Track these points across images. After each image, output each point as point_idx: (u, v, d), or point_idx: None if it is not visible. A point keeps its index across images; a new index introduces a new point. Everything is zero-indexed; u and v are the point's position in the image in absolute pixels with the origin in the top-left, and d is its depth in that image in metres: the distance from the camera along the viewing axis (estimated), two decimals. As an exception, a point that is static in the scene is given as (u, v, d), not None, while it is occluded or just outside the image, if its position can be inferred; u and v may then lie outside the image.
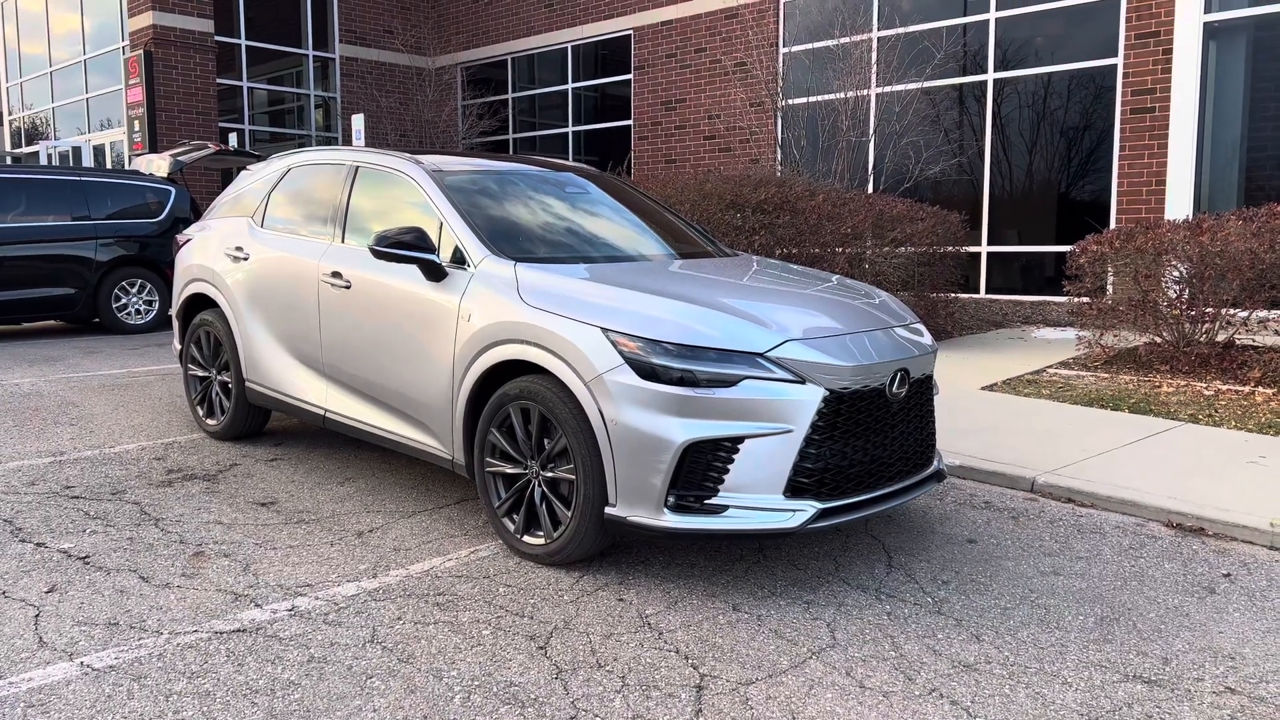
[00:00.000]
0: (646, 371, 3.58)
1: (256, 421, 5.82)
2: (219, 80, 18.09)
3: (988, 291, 12.82)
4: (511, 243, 4.39)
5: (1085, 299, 7.93)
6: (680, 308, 3.77)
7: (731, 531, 3.61)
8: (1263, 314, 7.16)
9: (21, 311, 10.45)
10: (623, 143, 17.10)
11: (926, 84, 12.77)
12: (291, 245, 5.27)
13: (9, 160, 23.55)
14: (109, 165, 19.37)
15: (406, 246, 4.30)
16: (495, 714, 2.84)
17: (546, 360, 3.81)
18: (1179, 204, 10.01)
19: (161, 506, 4.65)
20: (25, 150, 23.17)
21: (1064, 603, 3.72)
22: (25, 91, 23.26)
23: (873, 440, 3.81)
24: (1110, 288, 8.00)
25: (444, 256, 4.36)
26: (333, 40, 19.66)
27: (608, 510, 3.69)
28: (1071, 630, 3.49)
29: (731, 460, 3.58)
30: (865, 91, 13.12)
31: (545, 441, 3.90)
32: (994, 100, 12.65)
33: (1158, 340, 7.71)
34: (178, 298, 6.17)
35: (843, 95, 12.46)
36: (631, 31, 16.74)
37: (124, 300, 10.93)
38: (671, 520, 3.59)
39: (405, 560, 4.02)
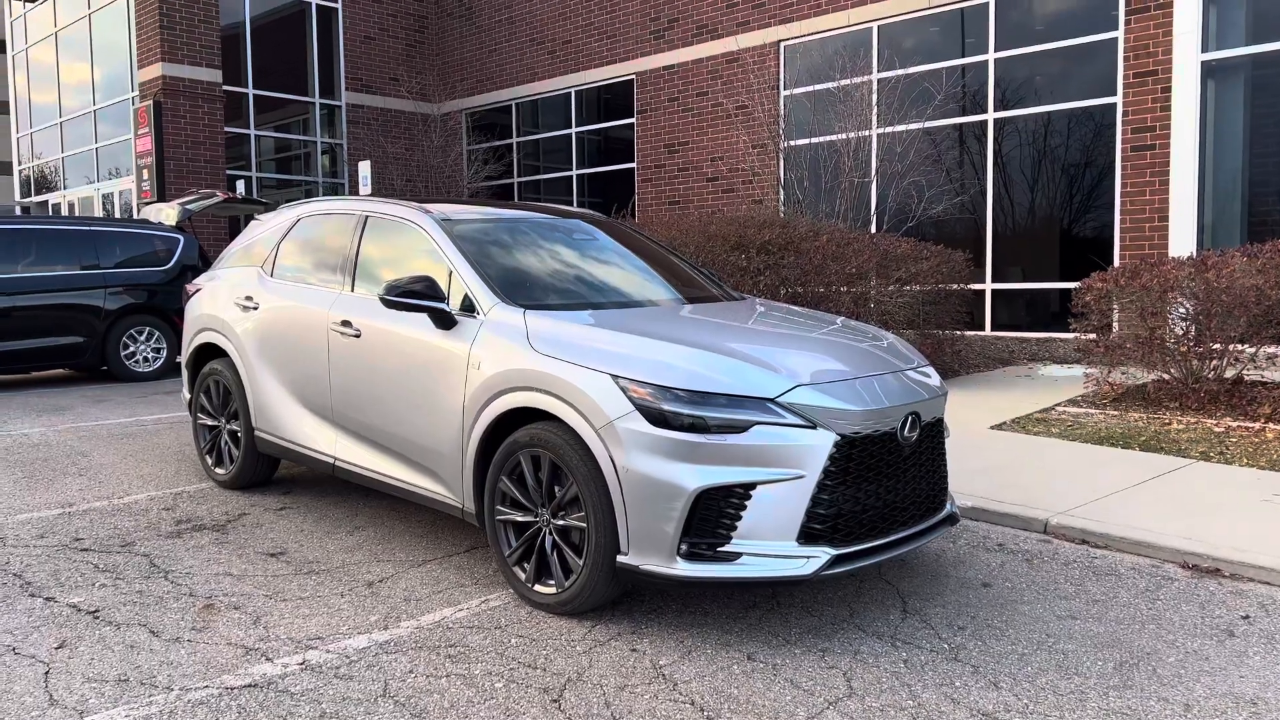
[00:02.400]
0: (657, 418, 3.57)
1: (265, 470, 5.82)
2: (226, 129, 18.31)
3: (993, 329, 12.83)
4: (520, 290, 4.41)
5: (1092, 336, 7.93)
6: (690, 353, 3.78)
7: (745, 580, 3.59)
8: (1270, 350, 7.15)
9: (31, 361, 10.49)
10: (626, 185, 17.23)
11: (927, 124, 12.87)
12: (301, 294, 5.30)
13: (19, 210, 23.78)
14: (118, 214, 19.54)
15: (416, 295, 4.32)
16: (510, 770, 2.80)
17: (556, 407, 3.81)
18: (1182, 240, 10.05)
19: (171, 558, 4.63)
20: (35, 200, 23.39)
21: (1082, 648, 3.68)
22: (35, 141, 23.52)
23: (885, 485, 3.80)
24: (1116, 325, 8.00)
25: (454, 305, 4.38)
26: (339, 88, 19.91)
27: (619, 559, 3.67)
28: (1091, 676, 3.45)
29: (744, 507, 3.57)
30: (866, 132, 13.23)
31: (556, 489, 3.89)
32: (995, 139, 12.75)
33: (1166, 377, 7.70)
34: (187, 347, 6.20)
35: (844, 136, 12.56)
36: (634, 76, 16.94)
37: (132, 348, 10.97)
38: (685, 569, 3.57)
39: (416, 611, 3.99)
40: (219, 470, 5.93)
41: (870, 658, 3.58)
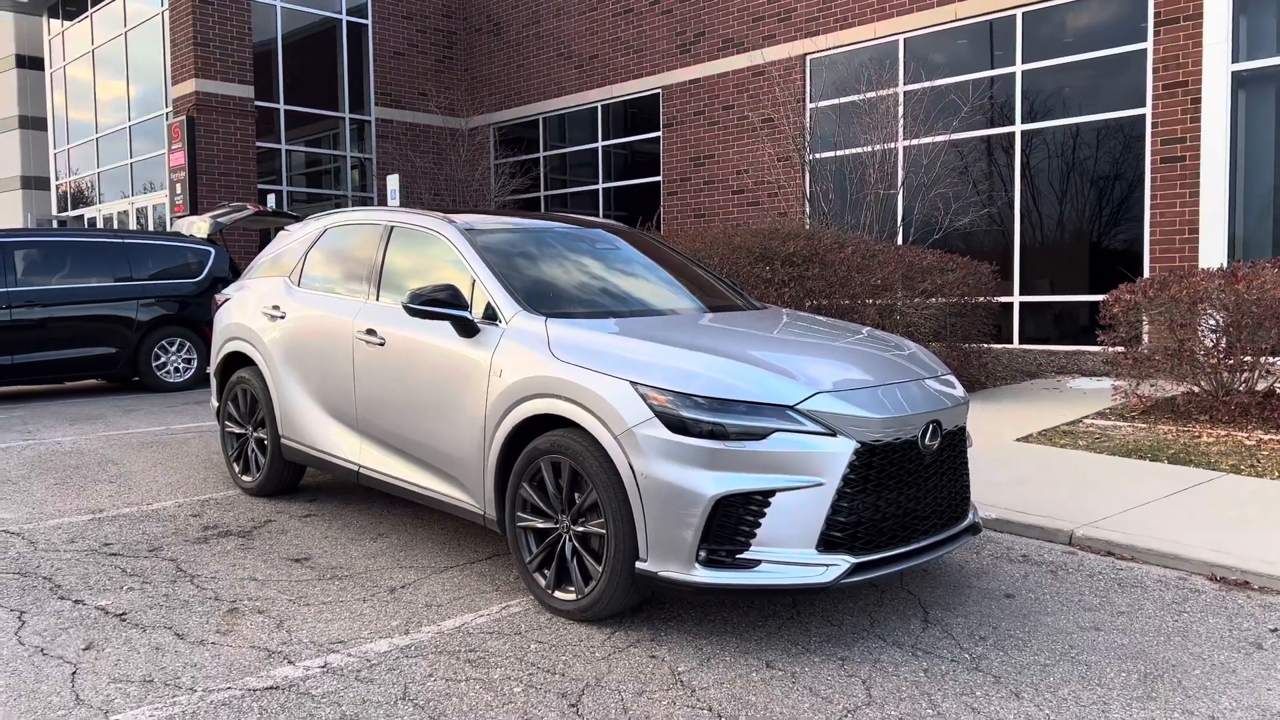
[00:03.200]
0: (676, 425, 3.59)
1: (291, 477, 5.88)
2: (258, 143, 18.56)
3: (1021, 342, 12.73)
4: (542, 299, 4.45)
5: (1120, 348, 7.85)
6: (710, 360, 3.79)
7: (764, 587, 3.59)
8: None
9: (65, 371, 10.66)
10: (652, 198, 17.29)
11: (954, 136, 12.84)
12: (327, 304, 5.37)
13: (56, 224, 24.19)
14: (151, 228, 19.83)
15: (440, 304, 4.36)
16: (527, 773, 2.82)
17: (576, 414, 3.83)
18: (1213, 252, 9.94)
19: (197, 563, 4.69)
20: (72, 214, 23.79)
21: (1105, 659, 3.64)
22: (72, 157, 23.95)
23: (906, 493, 3.78)
24: (1146, 337, 7.92)
25: (476, 313, 4.42)
26: (368, 103, 20.13)
27: (638, 565, 3.68)
28: (1114, 688, 3.41)
29: (763, 514, 3.56)
30: (893, 144, 13.23)
31: (576, 496, 3.91)
32: (1022, 151, 12.69)
33: (1196, 390, 7.61)
34: (216, 356, 6.28)
35: (870, 149, 12.55)
36: (660, 90, 17.02)
37: (163, 359, 11.13)
38: (703, 575, 3.57)
39: (437, 616, 4.01)
40: (246, 478, 6.00)
41: (890, 666, 3.56)
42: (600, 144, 18.49)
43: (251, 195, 18.03)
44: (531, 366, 4.05)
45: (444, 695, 3.30)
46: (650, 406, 3.63)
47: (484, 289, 4.46)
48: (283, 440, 5.62)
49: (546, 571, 4.05)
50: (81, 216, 23.22)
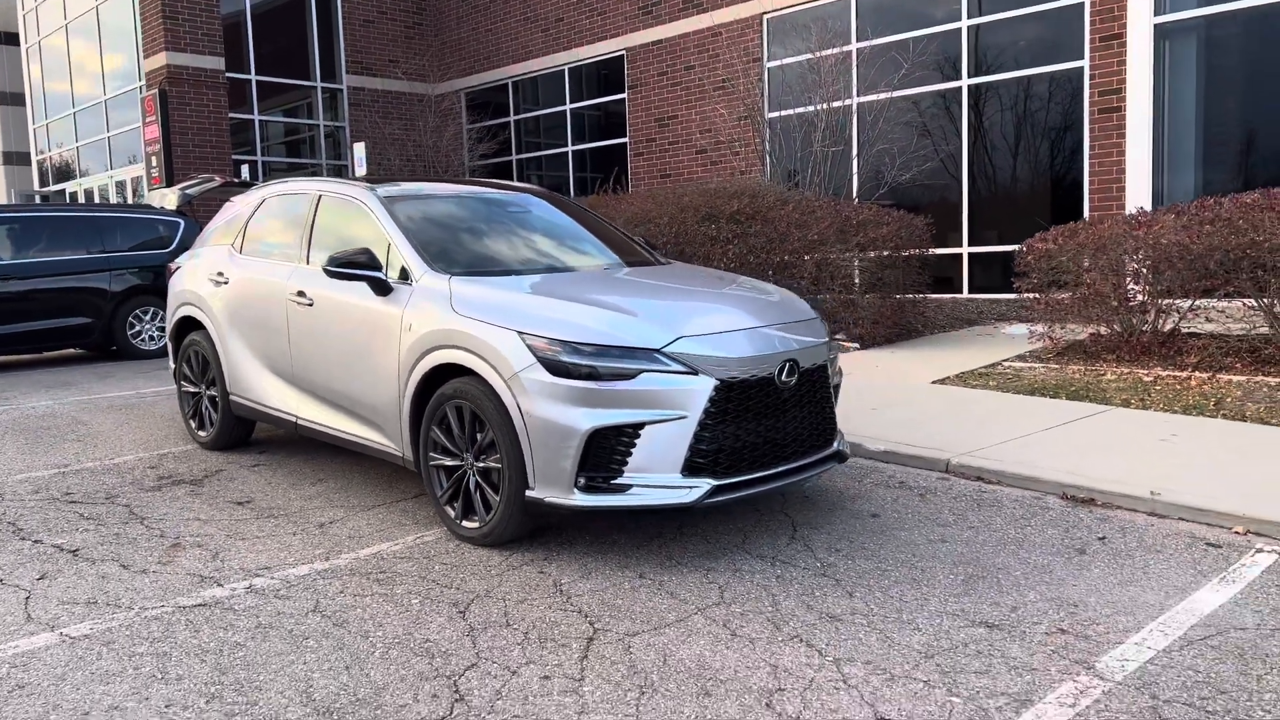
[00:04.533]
0: (556, 368, 4.04)
1: (242, 432, 6.34)
2: (231, 115, 18.84)
3: (970, 291, 13.17)
4: (449, 259, 4.88)
5: (1034, 295, 8.30)
6: (587, 311, 4.24)
7: (635, 507, 4.07)
8: (1193, 303, 7.50)
9: (43, 341, 11.10)
10: (621, 159, 17.62)
11: (904, 92, 13.19)
12: (264, 269, 5.80)
13: (39, 199, 24.49)
14: (130, 201, 20.15)
15: (356, 265, 4.80)
16: (407, 663, 3.30)
17: (473, 362, 4.28)
18: (1138, 199, 10.35)
19: (149, 508, 5.16)
20: (53, 189, 24.09)
21: (940, 564, 4.13)
22: (51, 131, 24.19)
23: (765, 424, 4.25)
24: (1060, 283, 8.36)
25: (393, 274, 4.86)
26: (340, 71, 20.38)
27: (528, 493, 4.15)
28: (938, 586, 3.90)
29: (634, 445, 4.03)
30: (846, 101, 13.57)
31: (477, 435, 4.37)
32: (969, 105, 13.03)
33: (1103, 332, 8.06)
34: (170, 320, 6.72)
35: (824, 106, 12.90)
36: (624, 52, 17.29)
37: (138, 327, 11.56)
38: (581, 499, 4.05)
39: (357, 546, 4.50)
40: (201, 433, 6.47)
41: (748, 574, 4.05)
42: (569, 107, 18.78)
43: (227, 166, 18.35)
44: (435, 320, 4.49)
45: (349, 607, 3.79)
46: (534, 353, 4.09)
47: (398, 251, 4.89)
48: (231, 397, 6.08)
49: (456, 504, 4.52)
50: (63, 191, 23.52)
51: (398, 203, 5.22)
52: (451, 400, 4.43)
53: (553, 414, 4.03)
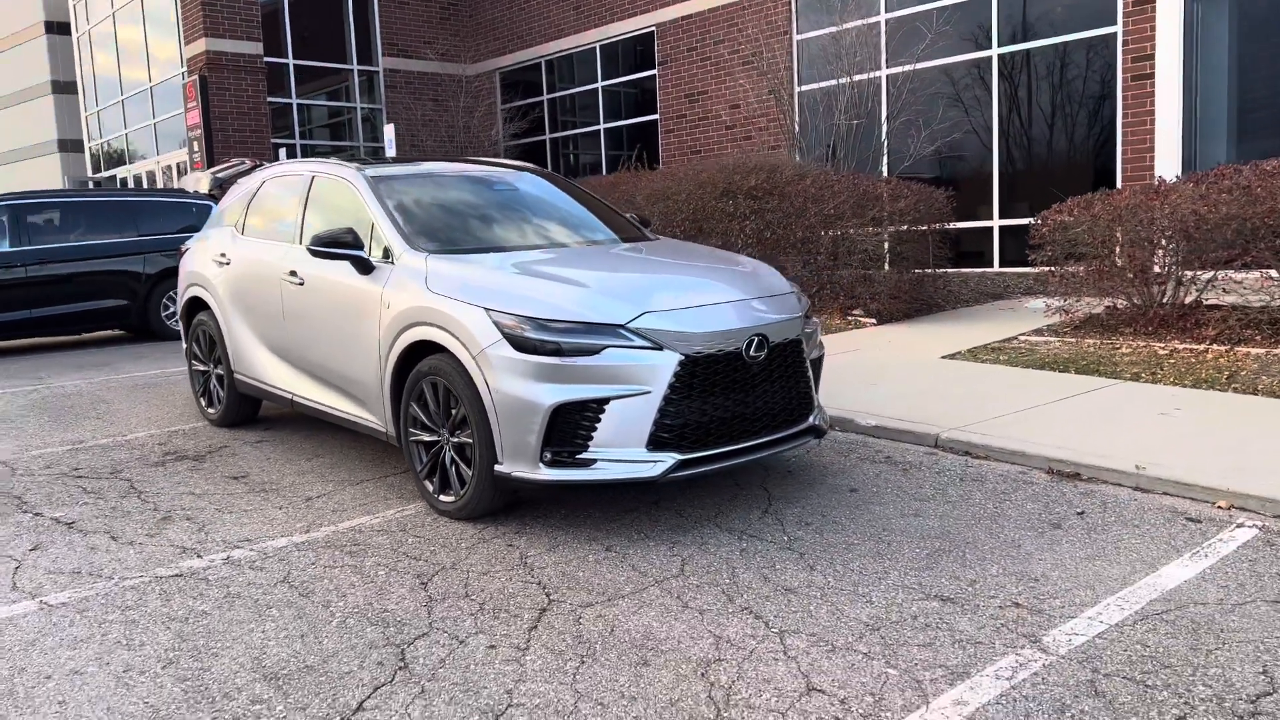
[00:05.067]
0: (521, 344, 4.09)
1: (249, 409, 6.50)
2: (270, 99, 19.13)
3: (1001, 265, 12.95)
4: (429, 238, 4.94)
5: (1050, 267, 8.15)
6: (554, 288, 4.28)
7: (600, 481, 4.10)
8: (1213, 275, 7.31)
9: (80, 323, 11.44)
10: (652, 136, 17.58)
11: (933, 63, 12.98)
12: (262, 249, 5.92)
13: (92, 185, 25.12)
14: (175, 185, 20.59)
15: (339, 244, 4.89)
16: (361, 632, 3.38)
17: (445, 339, 4.34)
18: (1168, 169, 10.09)
19: (149, 482, 5.33)
20: (105, 174, 24.69)
21: (908, 539, 4.11)
22: (102, 119, 24.78)
23: (732, 398, 4.25)
24: (1076, 255, 8.20)
25: (376, 253, 4.93)
26: (376, 54, 20.57)
27: (497, 468, 4.21)
28: (901, 560, 3.88)
29: (599, 420, 4.07)
30: (875, 73, 13.42)
31: (452, 411, 4.43)
32: (1000, 75, 12.78)
33: (1119, 305, 7.90)
34: (180, 301, 6.90)
35: (852, 78, 12.74)
36: (655, 28, 17.22)
37: (171, 308, 11.84)
38: (547, 473, 4.10)
39: (338, 519, 4.60)
40: (210, 410, 6.64)
41: (713, 548, 4.07)
42: (600, 84, 18.77)
43: (266, 150, 18.66)
44: (411, 298, 4.56)
45: (317, 578, 3.88)
46: (500, 329, 4.13)
47: (381, 231, 4.97)
48: (235, 375, 6.23)
49: (434, 479, 4.60)
50: (114, 176, 24.10)
51: (384, 183, 5.29)
52: (427, 377, 4.50)
53: (518, 389, 4.07)
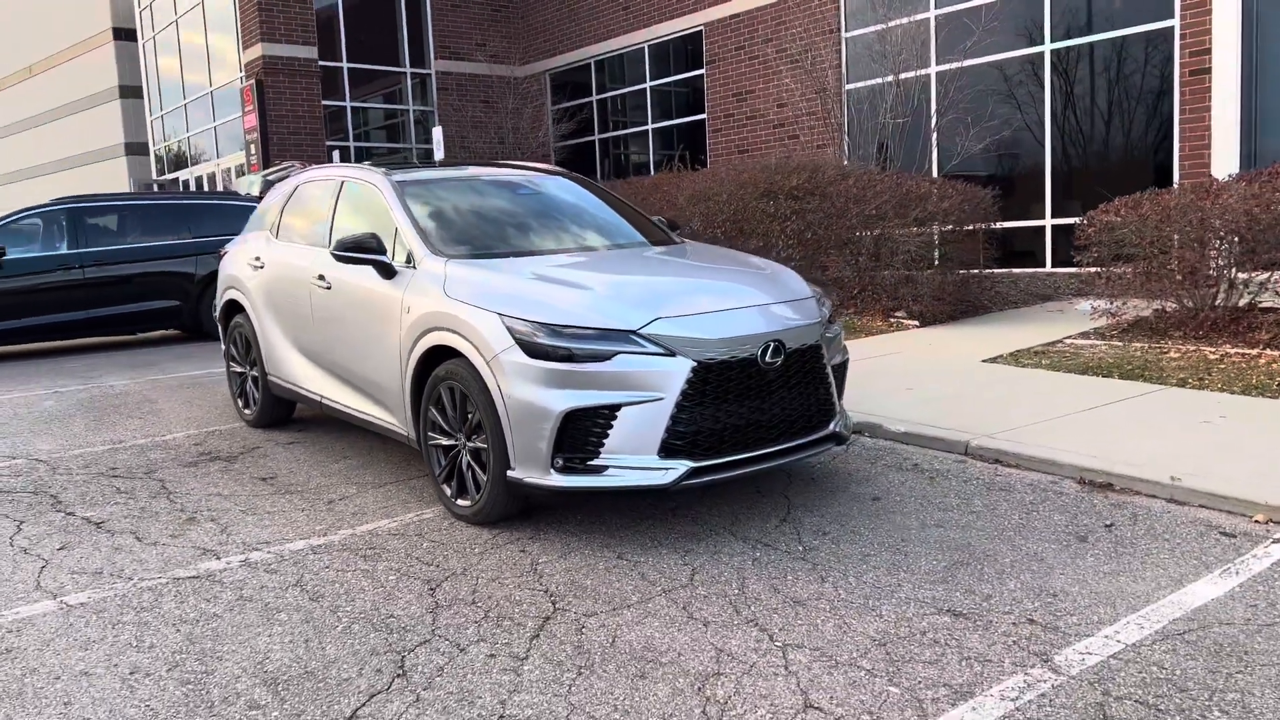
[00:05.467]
0: (533, 350, 4.07)
1: (283, 411, 6.59)
2: (325, 102, 19.43)
3: (1054, 265, 12.65)
4: (450, 242, 4.95)
5: (1096, 269, 7.92)
6: (568, 293, 4.26)
7: (611, 488, 4.07)
8: (1261, 276, 7.04)
9: (133, 323, 11.73)
10: (700, 136, 17.51)
11: (983, 59, 12.73)
12: (293, 253, 5.99)
13: (156, 188, 25.78)
14: (231, 189, 21.03)
15: (361, 249, 4.92)
16: (364, 638, 3.40)
17: (461, 344, 4.35)
18: (1226, 166, 9.75)
19: (180, 483, 5.42)
20: (168, 177, 25.32)
21: (927, 550, 4.01)
22: (166, 123, 25.40)
23: (748, 405, 4.19)
24: (1124, 256, 7.96)
25: (400, 258, 4.96)
26: (428, 57, 20.78)
27: (509, 473, 4.20)
28: (917, 573, 3.79)
29: (610, 426, 4.03)
30: (925, 71, 13.20)
31: (468, 415, 4.43)
32: (1052, 71, 12.49)
33: (1168, 308, 7.65)
34: (219, 304, 7.02)
35: (898, 76, 12.55)
36: (703, 27, 17.14)
37: (222, 310, 12.08)
38: (558, 480, 4.08)
39: (357, 522, 4.63)
40: (246, 411, 6.74)
41: (725, 557, 4.01)
42: (649, 84, 18.75)
43: (320, 153, 18.96)
44: (430, 303, 4.57)
45: (329, 582, 3.91)
46: (513, 335, 4.12)
47: (404, 235, 4.99)
48: (269, 377, 6.32)
49: (452, 483, 4.61)
50: (176, 179, 24.70)
51: (409, 188, 5.32)
52: (445, 381, 4.51)
53: (530, 395, 4.06)
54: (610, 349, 4.02)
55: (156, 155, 26.40)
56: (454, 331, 4.39)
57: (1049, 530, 4.20)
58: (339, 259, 5.02)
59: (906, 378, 7.01)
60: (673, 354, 4.04)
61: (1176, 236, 7.21)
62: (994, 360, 7.54)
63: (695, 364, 4.04)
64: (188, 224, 12.02)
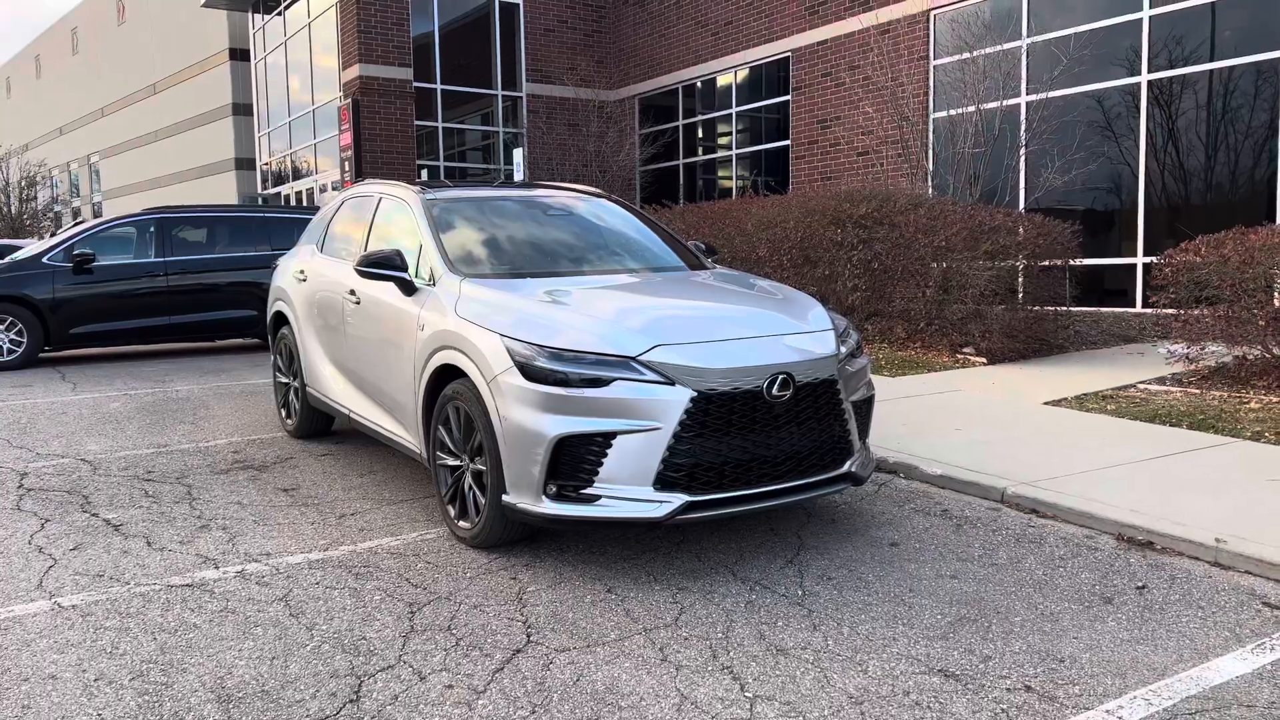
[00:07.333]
0: (530, 373, 3.98)
1: (322, 422, 6.64)
2: (418, 122, 19.88)
3: (1145, 305, 12.04)
4: (469, 261, 4.92)
5: (1172, 311, 7.47)
6: (572, 317, 4.16)
7: (603, 519, 3.94)
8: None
9: (213, 330, 12.12)
10: (783, 163, 17.32)
11: (1076, 89, 12.27)
12: (332, 267, 6.05)
13: (261, 201, 26.74)
14: (306, 204, 21.65)
15: (382, 265, 4.92)
16: (330, 659, 3.33)
17: (465, 364, 4.29)
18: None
19: (205, 489, 5.49)
20: (272, 191, 26.25)
21: (934, 603, 3.77)
22: (272, 140, 26.37)
23: (751, 439, 4.01)
24: (1205, 299, 7.49)
25: (424, 275, 4.95)
26: (520, 80, 21.09)
27: (504, 497, 4.11)
28: (917, 627, 3.56)
29: (605, 454, 3.91)
30: (1015, 100, 12.77)
31: (472, 436, 4.37)
32: (1149, 103, 11.96)
33: (1249, 355, 7.16)
34: (269, 315, 7.14)
35: (979, 106, 12.17)
36: (790, 54, 16.99)
37: (297, 321, 12.38)
38: (549, 507, 3.97)
39: (361, 538, 4.60)
40: (288, 421, 6.83)
41: (718, 598, 3.84)
42: (734, 110, 18.66)
43: (411, 171, 19.38)
44: (441, 322, 4.54)
45: (314, 598, 3.87)
46: (511, 356, 4.04)
47: (427, 253, 4.98)
48: (307, 389, 6.38)
49: (455, 505, 4.55)
50: (279, 194, 25.58)
51: (438, 205, 5.32)
52: (451, 401, 4.45)
53: (524, 419, 3.97)
54: (608, 375, 3.91)
55: (263, 170, 27.41)
56: (460, 351, 4.34)
57: (1073, 589, 3.91)
58: (362, 274, 5.03)
59: (959, 417, 6.70)
60: (672, 383, 3.90)
61: (1260, 278, 6.74)
62: (1056, 403, 7.17)
63: (695, 394, 3.89)
64: (268, 236, 12.36)
